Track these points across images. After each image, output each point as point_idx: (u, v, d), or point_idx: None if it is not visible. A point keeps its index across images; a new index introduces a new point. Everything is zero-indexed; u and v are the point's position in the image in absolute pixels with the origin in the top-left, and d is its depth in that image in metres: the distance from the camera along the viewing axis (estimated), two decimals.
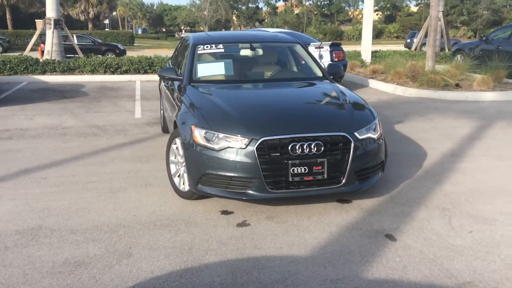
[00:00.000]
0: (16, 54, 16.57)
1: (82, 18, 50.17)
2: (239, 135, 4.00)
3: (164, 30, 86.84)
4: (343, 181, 4.12)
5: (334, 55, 11.09)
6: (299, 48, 5.96)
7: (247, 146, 3.95)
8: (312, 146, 3.98)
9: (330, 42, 11.54)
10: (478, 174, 5.36)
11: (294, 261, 3.39)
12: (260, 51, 5.89)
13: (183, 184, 4.51)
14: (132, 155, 6.17)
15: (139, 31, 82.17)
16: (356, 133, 4.18)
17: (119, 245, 3.66)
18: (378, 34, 63.46)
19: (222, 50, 5.68)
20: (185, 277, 3.18)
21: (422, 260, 3.39)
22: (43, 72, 14.02)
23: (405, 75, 12.25)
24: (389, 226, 3.97)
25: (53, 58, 15.06)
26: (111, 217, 4.20)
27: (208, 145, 4.06)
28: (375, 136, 4.35)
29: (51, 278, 3.17)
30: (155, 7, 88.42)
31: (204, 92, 4.84)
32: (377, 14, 73.38)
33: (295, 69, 5.98)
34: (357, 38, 55.07)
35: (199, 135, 4.12)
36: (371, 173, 4.37)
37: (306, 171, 4.00)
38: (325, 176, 4.05)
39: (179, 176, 4.61)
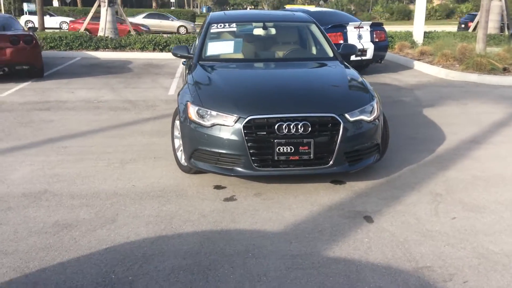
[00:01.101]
0: None
1: None
2: (228, 113, 4.12)
3: (229, 9, 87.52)
4: (331, 162, 4.15)
5: (374, 35, 10.83)
6: (314, 28, 5.94)
7: (234, 124, 4.07)
8: (299, 127, 4.03)
9: (371, 22, 11.27)
10: (490, 161, 5.19)
11: (263, 236, 3.50)
12: (273, 31, 5.93)
13: (184, 158, 4.70)
14: (152, 129, 6.45)
15: (204, 10, 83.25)
16: (346, 115, 4.18)
17: (108, 211, 3.91)
18: (449, 14, 60.60)
19: (235, 29, 5.77)
20: (156, 244, 3.38)
21: (390, 242, 3.40)
22: (96, 49, 14.66)
23: (453, 57, 11.78)
24: (371, 209, 3.97)
25: (106, 35, 15.70)
26: (111, 185, 4.47)
27: (200, 121, 4.20)
28: (369, 118, 4.32)
29: (37, 237, 3.47)
30: None
31: (207, 70, 4.98)
32: None
33: (306, 49, 5.97)
34: (426, 17, 52.74)
35: (193, 111, 4.28)
36: (363, 155, 4.37)
37: (292, 151, 4.07)
38: (312, 156, 4.10)
39: (181, 150, 4.80)
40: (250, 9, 76.55)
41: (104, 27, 15.81)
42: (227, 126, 4.09)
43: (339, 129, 4.12)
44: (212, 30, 5.74)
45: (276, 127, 4.03)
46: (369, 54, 10.72)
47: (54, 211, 3.92)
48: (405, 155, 5.37)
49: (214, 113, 4.18)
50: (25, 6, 35.05)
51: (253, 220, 3.75)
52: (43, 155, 5.37)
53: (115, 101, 8.33)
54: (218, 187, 4.44)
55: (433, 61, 12.26)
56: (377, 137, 4.44)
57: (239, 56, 5.53)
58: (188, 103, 4.37)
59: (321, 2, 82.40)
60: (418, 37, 15.55)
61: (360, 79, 4.89)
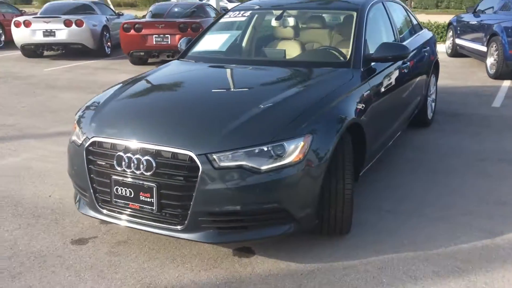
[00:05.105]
0: None
1: None
2: (81, 129, 3.13)
3: None
4: (184, 224, 2.71)
5: None
6: (351, 19, 4.03)
7: (81, 144, 3.05)
8: (141, 163, 2.74)
9: None
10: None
11: None
12: (291, 22, 4.26)
13: None
14: None
15: None
16: (215, 155, 2.64)
17: None
18: None
19: (243, 19, 4.41)
20: None
21: None
22: None
23: None
24: None
25: None
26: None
27: (72, 136, 3.30)
28: (264, 166, 2.64)
29: None
30: None
31: (152, 72, 3.96)
32: None
33: (320, 48, 4.12)
34: None
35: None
36: (250, 223, 2.73)
37: (132, 196, 2.81)
38: (155, 209, 2.76)
39: None
40: None
41: None
42: (76, 147, 3.10)
43: (197, 176, 2.63)
44: (223, 20, 4.54)
45: (115, 158, 2.83)
46: None
47: None
48: (409, 226, 3.22)
49: (76, 126, 3.24)
50: None
51: (34, 283, 2.74)
52: None
53: None
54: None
55: None
56: (280, 197, 2.70)
57: (223, 55, 4.23)
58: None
59: None
60: None
61: (311, 102, 3.03)
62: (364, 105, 3.39)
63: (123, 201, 2.84)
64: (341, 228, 3.02)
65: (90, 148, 2.95)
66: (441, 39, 12.84)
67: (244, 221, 2.72)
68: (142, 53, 10.36)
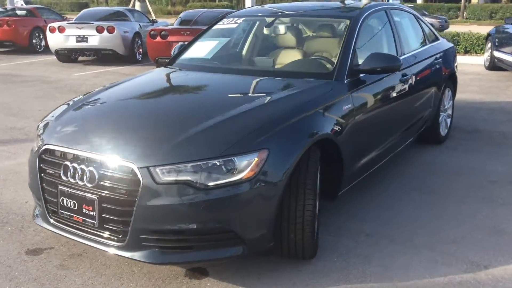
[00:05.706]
0: None
1: None
2: (38, 135, 3.04)
3: None
4: (126, 241, 2.55)
5: None
6: (342, 27, 3.78)
7: (35, 152, 2.96)
8: (85, 173, 2.61)
9: None
10: None
11: None
12: (281, 30, 4.04)
13: None
14: None
15: None
16: (158, 169, 2.47)
17: None
18: None
19: (234, 26, 4.23)
20: None
21: None
22: None
23: None
24: None
25: None
26: None
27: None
28: (212, 182, 2.45)
29: None
30: None
31: (130, 79, 3.87)
32: None
33: (307, 58, 3.88)
34: None
35: None
36: (195, 243, 2.53)
37: (76, 208, 2.68)
38: (96, 223, 2.61)
39: None
40: None
41: None
42: (33, 154, 3.01)
43: (138, 191, 2.47)
44: (216, 26, 4.38)
45: (62, 167, 2.72)
46: None
47: None
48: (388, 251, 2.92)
49: (36, 133, 3.15)
50: None
51: None
52: None
53: None
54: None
55: None
56: (232, 218, 2.49)
57: (207, 62, 4.07)
58: None
59: None
60: None
61: (287, 115, 2.83)
62: (343, 120, 3.14)
63: (68, 213, 2.72)
64: (302, 252, 2.77)
65: (43, 156, 2.85)
66: (481, 51, 12.24)
67: (189, 241, 2.53)
68: (167, 60, 10.32)
